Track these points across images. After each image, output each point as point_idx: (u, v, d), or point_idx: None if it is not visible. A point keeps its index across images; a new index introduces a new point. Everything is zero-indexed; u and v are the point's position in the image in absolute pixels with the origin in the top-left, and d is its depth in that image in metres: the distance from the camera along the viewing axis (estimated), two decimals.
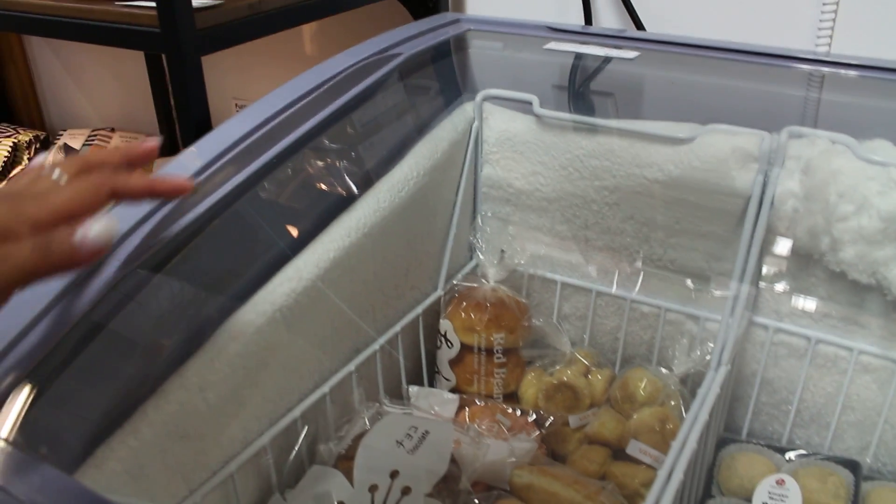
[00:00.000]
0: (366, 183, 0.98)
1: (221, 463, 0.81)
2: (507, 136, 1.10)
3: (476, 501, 0.85)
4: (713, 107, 1.04)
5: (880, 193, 0.87)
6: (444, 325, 1.08)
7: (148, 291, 0.77)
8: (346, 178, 0.97)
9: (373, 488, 0.82)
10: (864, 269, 0.91)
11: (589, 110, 1.11)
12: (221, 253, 0.85)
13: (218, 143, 0.88)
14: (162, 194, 0.68)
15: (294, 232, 0.91)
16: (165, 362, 0.75)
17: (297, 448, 0.90)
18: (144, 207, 0.77)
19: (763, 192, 0.94)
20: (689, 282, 1.05)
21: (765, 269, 1.00)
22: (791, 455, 1.02)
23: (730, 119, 0.97)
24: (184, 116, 1.02)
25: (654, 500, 0.76)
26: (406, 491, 0.82)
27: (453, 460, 0.88)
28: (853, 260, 0.91)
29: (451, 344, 1.07)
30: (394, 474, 0.83)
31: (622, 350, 1.12)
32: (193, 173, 0.83)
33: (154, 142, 0.68)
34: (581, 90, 1.15)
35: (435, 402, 1.03)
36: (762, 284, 1.00)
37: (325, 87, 1.01)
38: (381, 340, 1.02)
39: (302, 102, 0.97)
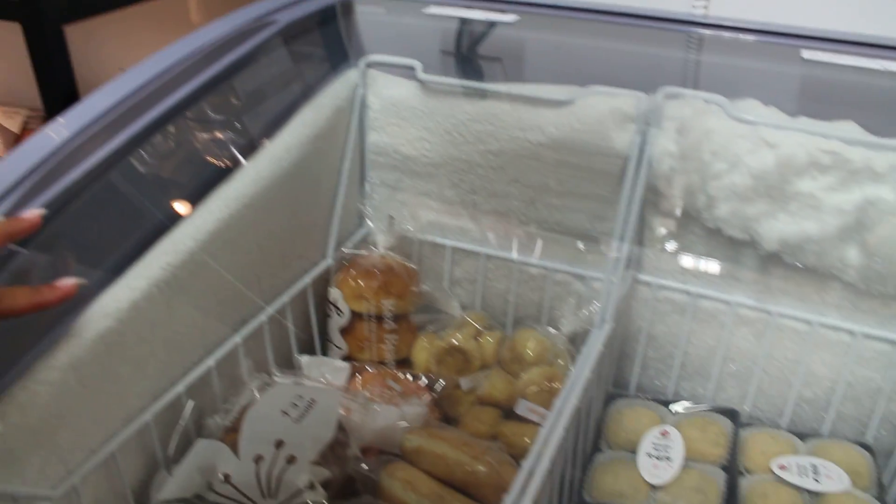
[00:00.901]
0: (245, 152, 0.96)
1: (101, 442, 0.80)
2: (391, 102, 1.10)
3: (364, 467, 0.86)
4: (593, 69, 1.05)
5: (750, 152, 0.90)
6: (334, 293, 1.07)
7: (13, 268, 0.74)
8: (225, 147, 0.95)
9: (258, 459, 0.82)
10: (737, 225, 0.94)
11: (472, 74, 1.11)
12: (91, 226, 0.83)
13: (87, 114, 0.85)
14: (50, 305, 0.68)
15: (170, 204, 0.89)
16: (32, 342, 0.73)
17: (182, 423, 0.89)
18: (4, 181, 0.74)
19: (641, 152, 0.96)
20: (574, 242, 1.07)
21: (646, 228, 1.02)
22: (675, 407, 1.05)
23: (609, 80, 0.99)
24: (48, 87, 0.98)
25: (536, 455, 0.77)
26: (291, 459, 0.81)
27: (342, 427, 0.88)
28: (727, 216, 0.94)
29: (342, 312, 1.07)
30: (279, 444, 0.82)
31: (513, 312, 1.14)
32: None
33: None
34: (464, 54, 1.15)
35: (326, 371, 1.03)
36: (644, 243, 1.03)
37: (202, 54, 0.98)
38: (269, 311, 1.00)
39: (176, 70, 0.94)
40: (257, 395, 0.93)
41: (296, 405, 0.87)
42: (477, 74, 1.13)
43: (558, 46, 1.12)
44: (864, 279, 0.93)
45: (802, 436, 1.02)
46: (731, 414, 1.03)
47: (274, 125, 1.01)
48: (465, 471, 0.87)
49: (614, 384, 1.11)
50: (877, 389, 0.99)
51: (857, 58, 0.88)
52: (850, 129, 0.90)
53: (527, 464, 0.78)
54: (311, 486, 0.80)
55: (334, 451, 0.85)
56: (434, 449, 0.89)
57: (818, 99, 0.93)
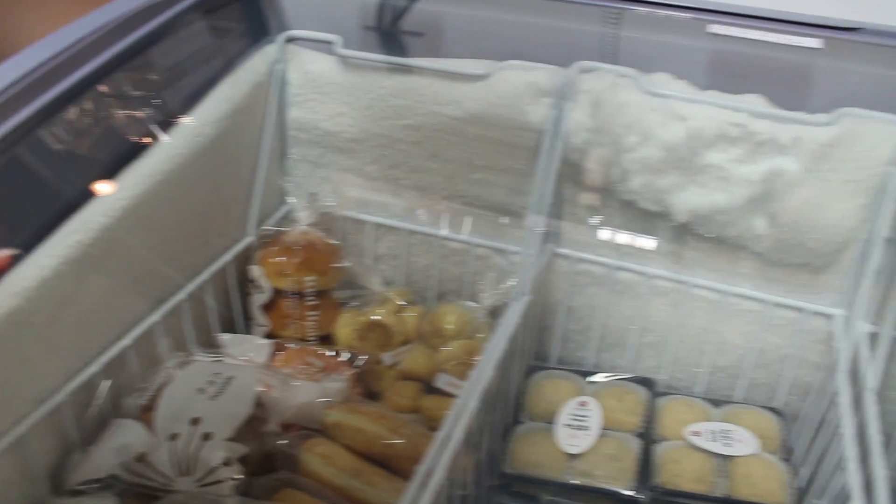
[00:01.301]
0: (161, 128, 0.95)
1: (11, 424, 0.78)
2: (311, 77, 1.09)
3: (282, 442, 0.86)
4: (512, 44, 1.06)
5: (662, 125, 0.92)
6: (255, 270, 1.07)
7: None
8: (140, 122, 0.94)
9: (173, 437, 0.81)
10: (650, 197, 0.96)
11: (393, 50, 1.11)
12: None
13: None
14: None
15: (82, 180, 0.87)
16: None
17: (97, 403, 0.88)
18: None
19: (556, 126, 0.97)
20: (495, 217, 1.07)
21: (564, 202, 1.03)
22: (595, 378, 1.07)
23: (528, 55, 0.99)
24: None
25: (450, 426, 0.78)
26: (207, 436, 0.81)
27: (261, 404, 0.88)
28: (640, 189, 0.95)
29: (263, 289, 1.06)
30: (195, 421, 0.82)
31: (436, 287, 1.14)
32: None
33: None
34: (385, 30, 1.14)
35: (248, 349, 1.02)
36: (563, 216, 1.04)
37: (115, 25, 0.96)
38: (189, 289, 1.00)
39: (88, 41, 0.92)
40: (174, 374, 0.92)
41: (213, 382, 0.87)
42: (397, 50, 1.13)
43: (479, 21, 1.12)
44: (772, 249, 0.96)
45: (717, 402, 1.05)
46: (648, 383, 1.06)
47: (191, 100, 1.00)
48: (383, 444, 0.88)
49: (536, 357, 1.13)
50: (785, 356, 1.02)
51: (763, 32, 0.90)
52: (757, 102, 0.92)
53: (440, 434, 0.79)
54: (227, 463, 0.79)
55: (252, 427, 0.85)
56: (353, 423, 0.90)
57: (727, 73, 0.95)
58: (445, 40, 1.14)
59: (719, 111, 0.90)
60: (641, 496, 0.93)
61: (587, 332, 1.10)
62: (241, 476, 0.80)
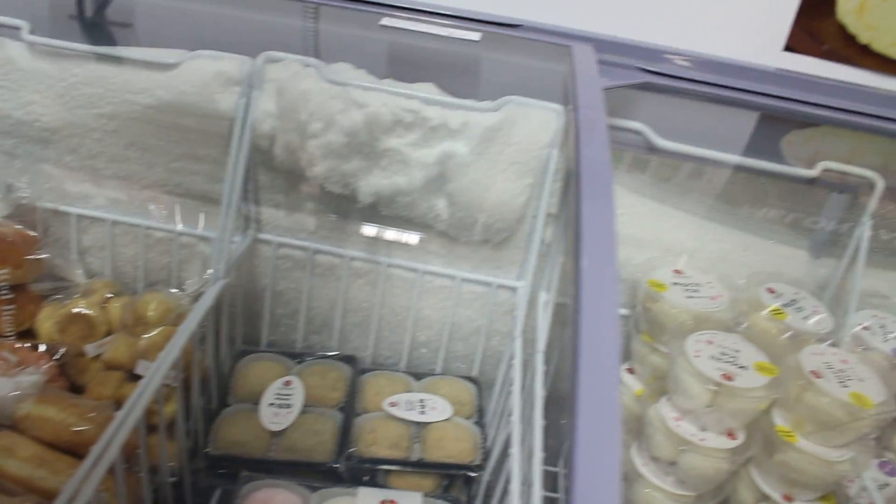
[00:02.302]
0: None
1: None
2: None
3: None
4: (210, 34, 1.07)
5: (342, 112, 0.96)
6: None
7: None
8: None
9: None
10: (337, 181, 1.00)
11: (91, 38, 1.09)
12: None
13: None
14: None
15: None
16: None
17: None
18: None
19: (245, 114, 0.99)
20: (198, 205, 1.09)
21: (261, 188, 1.06)
22: (303, 359, 1.11)
23: (219, 45, 1.01)
24: None
25: (130, 405, 0.80)
26: None
27: None
28: (327, 173, 1.00)
29: None
30: None
31: (143, 277, 1.14)
32: None
33: None
34: (84, 17, 1.13)
35: None
36: (261, 202, 1.07)
37: None
38: None
39: None
40: None
41: None
42: (98, 38, 1.11)
43: (178, 12, 1.13)
44: (453, 227, 1.03)
45: (419, 375, 1.11)
46: (352, 360, 1.11)
47: None
48: (72, 431, 0.88)
49: (247, 342, 1.15)
50: (478, 328, 1.09)
51: (429, 25, 0.96)
52: (429, 89, 0.98)
53: (121, 413, 0.80)
54: None
55: None
56: (41, 413, 0.89)
57: (404, 63, 1.01)
58: (143, 29, 1.14)
59: (394, 98, 0.96)
60: (338, 465, 0.97)
61: (295, 316, 1.13)
62: None
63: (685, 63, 1.02)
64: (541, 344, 0.96)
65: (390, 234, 1.06)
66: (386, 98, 0.96)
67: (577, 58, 0.91)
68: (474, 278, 1.07)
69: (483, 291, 1.07)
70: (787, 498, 0.90)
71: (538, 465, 0.77)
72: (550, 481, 1.10)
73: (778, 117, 1.08)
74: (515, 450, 0.84)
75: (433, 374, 1.11)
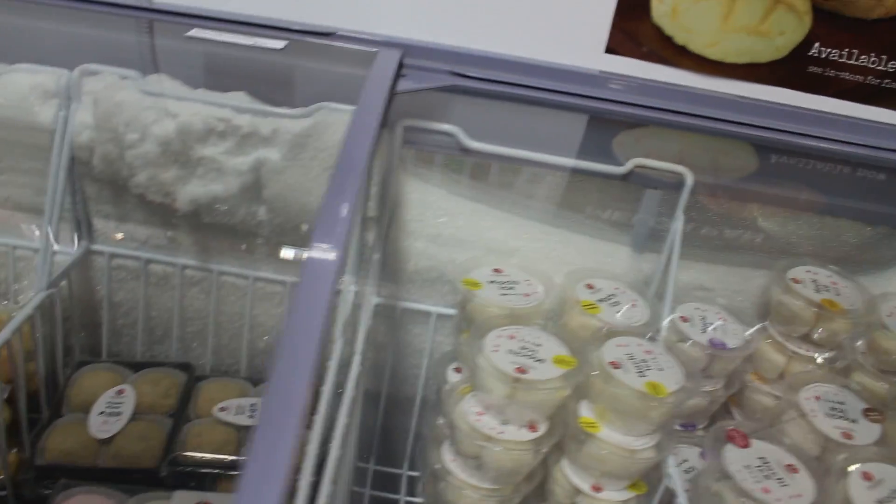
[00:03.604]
0: None
1: None
2: None
3: None
4: (23, 47, 1.08)
5: (156, 122, 0.98)
6: None
7: None
8: None
9: None
10: (157, 190, 1.02)
11: None
12: None
13: None
14: None
15: None
16: None
17: None
18: None
19: (64, 126, 1.01)
20: (29, 217, 1.10)
21: (89, 199, 1.07)
22: (141, 368, 1.12)
23: (37, 59, 1.03)
24: None
25: None
26: None
27: None
28: (147, 183, 1.01)
29: None
30: None
31: None
32: None
33: None
34: None
35: None
36: (90, 213, 1.08)
37: None
38: None
39: None
40: None
41: None
42: None
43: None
44: (276, 234, 1.05)
45: (258, 381, 1.12)
46: (187, 368, 1.12)
47: None
48: None
49: (90, 352, 1.16)
50: None
51: (238, 35, 0.99)
52: (240, 98, 1.00)
53: None
54: None
55: None
56: None
57: (218, 73, 1.04)
58: None
59: (206, 107, 0.98)
60: (161, 470, 0.98)
61: (135, 326, 1.14)
62: None
63: (504, 67, 1.05)
64: (359, 345, 0.98)
65: (220, 242, 1.07)
66: (198, 108, 0.98)
67: (377, 63, 0.93)
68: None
69: None
70: (596, 488, 0.92)
71: (347, 462, 0.79)
72: (360, 477, 1.13)
73: (605, 119, 1.11)
74: (312, 447, 0.86)
75: None
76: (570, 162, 1.02)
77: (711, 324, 1.05)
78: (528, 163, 1.02)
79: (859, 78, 1.09)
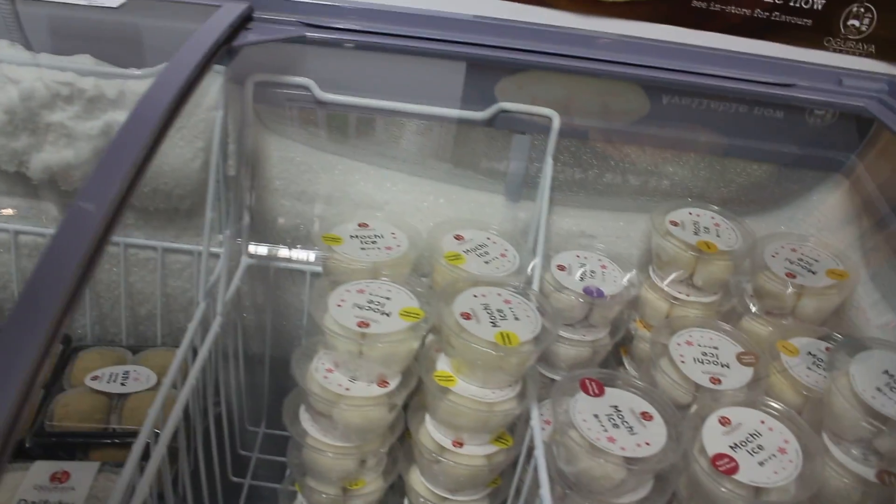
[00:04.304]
0: None
1: None
2: None
3: None
4: None
5: None
6: None
7: None
8: None
9: None
10: (9, 160, 1.00)
11: None
12: None
13: None
14: None
15: None
16: None
17: None
18: None
19: None
20: None
21: None
22: None
23: None
24: None
25: None
26: None
27: None
28: None
29: None
30: None
31: None
32: None
33: None
34: None
35: None
36: None
37: None
38: None
39: None
40: None
41: None
42: None
43: None
44: (138, 198, 1.03)
45: (137, 349, 1.11)
46: (63, 338, 1.11)
47: None
48: None
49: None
50: (191, 299, 1.10)
51: None
52: (85, 60, 0.98)
53: None
54: None
55: None
56: None
57: (59, 36, 1.01)
58: None
59: (48, 71, 0.95)
60: (26, 442, 0.97)
61: (12, 300, 1.13)
62: None
63: (360, 15, 1.01)
64: (220, 306, 0.96)
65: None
66: (40, 72, 0.95)
67: (214, 17, 0.90)
68: (176, 247, 1.07)
69: (188, 261, 1.08)
70: (457, 443, 0.90)
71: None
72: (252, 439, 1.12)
73: (483, 65, 1.07)
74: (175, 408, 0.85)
75: (153, 347, 1.12)
76: (430, 110, 0.99)
77: (592, 271, 1.02)
78: (387, 112, 1.00)
79: (746, 12, 1.05)
